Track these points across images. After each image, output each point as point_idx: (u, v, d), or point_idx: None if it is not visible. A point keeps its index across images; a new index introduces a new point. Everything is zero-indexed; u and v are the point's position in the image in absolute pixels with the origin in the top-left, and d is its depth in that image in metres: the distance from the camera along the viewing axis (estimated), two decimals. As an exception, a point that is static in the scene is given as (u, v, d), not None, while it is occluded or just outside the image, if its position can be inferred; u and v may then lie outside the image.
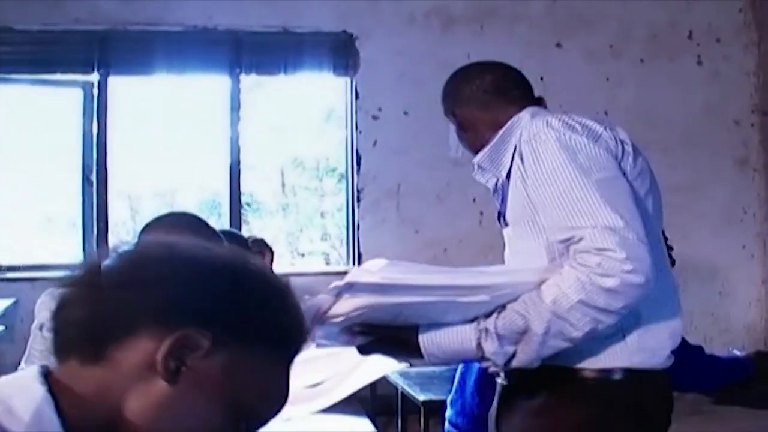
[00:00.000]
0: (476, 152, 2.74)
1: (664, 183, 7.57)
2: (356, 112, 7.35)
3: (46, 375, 1.33)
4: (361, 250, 7.30)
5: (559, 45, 7.62)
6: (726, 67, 7.86)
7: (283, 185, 8.95)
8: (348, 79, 7.39)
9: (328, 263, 8.41)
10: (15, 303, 6.44)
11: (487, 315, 2.30)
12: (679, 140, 7.60)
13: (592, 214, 2.20)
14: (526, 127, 2.44)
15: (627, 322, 2.38)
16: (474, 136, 2.72)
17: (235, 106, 7.22)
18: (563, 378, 2.45)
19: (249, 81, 7.40)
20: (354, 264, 7.27)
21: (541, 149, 2.34)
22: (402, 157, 7.26)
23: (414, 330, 2.34)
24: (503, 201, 2.61)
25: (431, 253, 7.20)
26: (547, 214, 2.32)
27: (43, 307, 3.26)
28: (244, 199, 7.54)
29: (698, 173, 7.67)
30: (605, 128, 2.39)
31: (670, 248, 3.79)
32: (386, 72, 7.33)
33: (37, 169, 7.50)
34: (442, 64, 7.33)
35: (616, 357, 2.42)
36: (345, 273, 6.84)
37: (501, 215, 2.64)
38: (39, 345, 3.25)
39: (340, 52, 7.35)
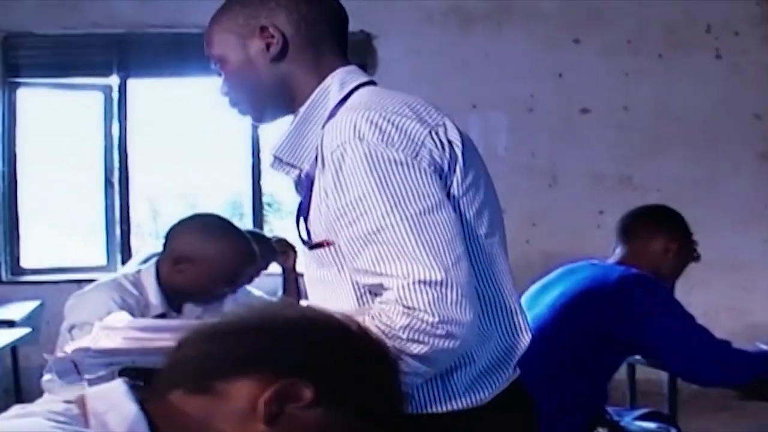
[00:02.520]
0: (259, 106, 2.18)
1: (685, 177, 7.58)
2: (375, 110, 7.31)
3: (133, 389, 1.45)
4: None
5: (576, 41, 7.61)
6: (745, 61, 7.83)
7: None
8: (367, 79, 7.38)
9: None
10: (40, 305, 6.49)
11: None
12: (699, 135, 7.59)
13: (405, 262, 1.78)
14: (330, 127, 1.94)
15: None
16: (282, 81, 2.12)
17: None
18: None
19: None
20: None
21: (345, 169, 1.86)
22: (421, 156, 7.18)
23: None
24: (307, 203, 2.05)
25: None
26: (351, 254, 1.88)
27: (73, 309, 3.28)
28: (265, 199, 7.57)
29: (719, 167, 7.65)
30: (430, 131, 1.92)
31: (694, 243, 3.80)
32: (404, 71, 7.31)
33: (60, 172, 7.55)
34: (459, 63, 7.43)
35: (435, 401, 2.01)
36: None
37: (304, 220, 2.06)
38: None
39: (357, 51, 7.35)
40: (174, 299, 3.35)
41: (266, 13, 2.08)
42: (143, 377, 1.88)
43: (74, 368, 1.95)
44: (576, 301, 3.48)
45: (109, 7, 7.13)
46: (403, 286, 1.77)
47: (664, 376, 4.25)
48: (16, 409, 1.43)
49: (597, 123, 7.55)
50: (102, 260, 7.30)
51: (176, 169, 8.09)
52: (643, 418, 3.88)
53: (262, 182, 7.32)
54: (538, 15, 7.55)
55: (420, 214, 1.81)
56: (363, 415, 1.47)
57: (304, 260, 2.14)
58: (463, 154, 1.97)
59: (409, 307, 1.76)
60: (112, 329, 1.93)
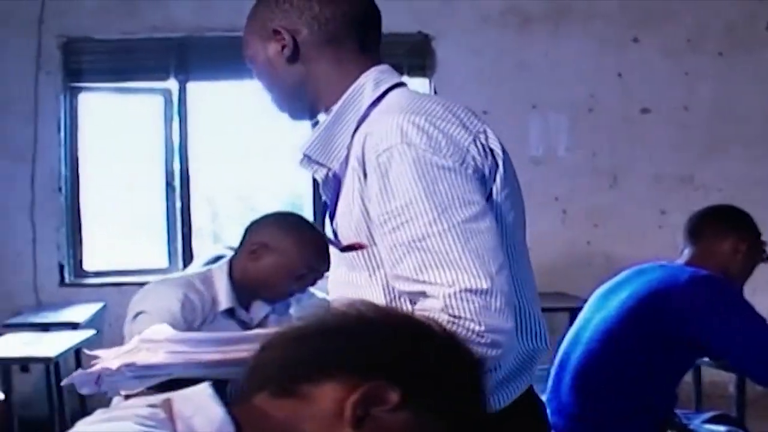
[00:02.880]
0: (287, 105, 2.20)
1: (747, 176, 7.45)
2: (435, 112, 7.28)
3: (218, 394, 1.44)
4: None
5: (635, 40, 7.54)
6: (807, 59, 7.73)
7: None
8: (426, 80, 7.40)
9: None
10: (103, 308, 6.56)
11: None
12: (760, 134, 7.49)
13: (452, 269, 1.77)
14: (373, 130, 1.93)
15: None
16: (302, 82, 2.12)
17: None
18: None
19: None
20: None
21: (392, 174, 1.84)
22: (483, 157, 7.14)
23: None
24: (334, 201, 2.07)
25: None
26: (393, 260, 1.86)
27: (139, 299, 3.32)
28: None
29: (781, 167, 7.55)
30: (474, 139, 1.93)
31: (763, 244, 3.76)
32: (464, 72, 7.32)
33: (121, 175, 7.62)
34: (518, 64, 7.41)
35: None
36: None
37: (330, 219, 2.09)
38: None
39: (415, 52, 7.37)
40: (243, 296, 3.39)
41: (280, 15, 2.08)
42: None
43: (95, 380, 1.95)
44: (645, 303, 3.45)
45: (168, 11, 7.19)
46: (449, 295, 1.75)
47: (728, 378, 4.21)
48: (98, 413, 1.43)
49: (658, 123, 7.48)
50: (163, 262, 7.38)
51: (235, 171, 8.11)
52: (712, 421, 3.85)
53: (322, 185, 7.33)
54: (596, 14, 7.50)
55: (466, 222, 1.81)
56: (448, 415, 1.45)
57: (333, 261, 2.14)
58: (504, 162, 1.97)
59: (455, 316, 1.74)
60: (152, 342, 1.93)
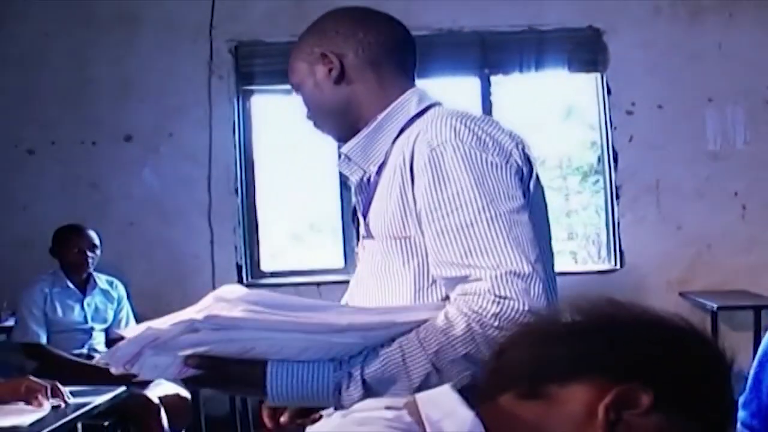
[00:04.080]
0: (333, 125, 2.37)
1: None
2: (609, 108, 7.26)
3: (463, 396, 1.42)
4: (623, 248, 7.22)
5: (813, 28, 7.32)
6: None
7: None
8: (598, 75, 7.32)
9: (576, 262, 8.37)
10: (281, 307, 6.65)
11: (350, 356, 2.03)
12: None
13: (496, 254, 1.94)
14: (426, 128, 2.10)
15: None
16: (347, 101, 2.30)
17: (487, 107, 7.27)
18: None
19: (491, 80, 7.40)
20: (616, 263, 7.26)
21: (445, 165, 2.02)
22: (659, 152, 7.11)
23: (261, 365, 2.02)
24: (368, 201, 2.25)
25: (694, 249, 7.12)
26: (439, 245, 2.01)
27: None
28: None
29: None
30: (516, 144, 2.10)
31: None
32: (636, 66, 7.21)
33: (296, 176, 7.71)
34: (692, 55, 7.25)
35: None
36: (598, 272, 6.66)
37: (363, 217, 2.27)
38: None
39: (586, 47, 7.29)
40: None
41: (327, 41, 2.31)
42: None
43: (132, 356, 1.95)
44: None
45: (338, 13, 7.24)
46: (495, 277, 1.92)
47: None
48: (336, 416, 1.45)
49: (839, 113, 7.23)
50: (339, 263, 7.44)
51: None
52: None
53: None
54: (770, 2, 7.30)
55: (510, 212, 1.98)
56: (700, 417, 1.39)
57: (363, 255, 2.31)
58: (537, 172, 2.17)
59: (501, 296, 1.90)
60: (226, 301, 1.96)
